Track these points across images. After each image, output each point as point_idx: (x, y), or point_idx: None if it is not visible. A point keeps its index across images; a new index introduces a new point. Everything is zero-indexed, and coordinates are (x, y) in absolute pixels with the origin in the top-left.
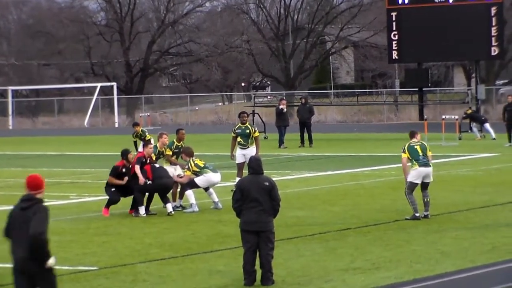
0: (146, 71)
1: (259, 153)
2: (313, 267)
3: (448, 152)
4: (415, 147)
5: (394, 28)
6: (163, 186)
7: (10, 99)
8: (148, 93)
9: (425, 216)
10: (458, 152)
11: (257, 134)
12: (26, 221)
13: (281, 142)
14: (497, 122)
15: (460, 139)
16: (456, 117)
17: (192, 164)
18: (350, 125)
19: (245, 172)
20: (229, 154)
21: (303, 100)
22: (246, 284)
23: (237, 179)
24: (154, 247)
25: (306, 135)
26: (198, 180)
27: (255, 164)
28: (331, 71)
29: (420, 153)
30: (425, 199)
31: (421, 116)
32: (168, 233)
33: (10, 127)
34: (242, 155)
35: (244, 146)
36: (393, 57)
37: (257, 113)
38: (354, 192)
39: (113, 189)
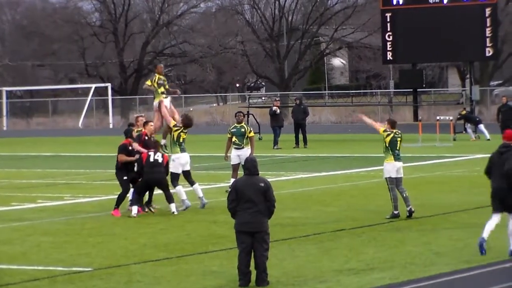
0: (140, 72)
1: (253, 154)
2: (307, 268)
3: (442, 153)
4: (397, 139)
5: (388, 29)
6: (154, 180)
7: (4, 100)
8: (142, 94)
9: (409, 211)
10: (452, 153)
11: (252, 134)
12: (502, 162)
13: (275, 143)
14: (491, 123)
15: (454, 140)
16: (451, 118)
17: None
18: (344, 126)
19: (241, 173)
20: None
21: (298, 101)
22: (241, 285)
23: (232, 180)
24: (149, 247)
25: (300, 136)
26: (172, 168)
27: (250, 165)
28: (326, 72)
29: (398, 147)
30: (404, 195)
31: (415, 117)
32: (162, 233)
33: (4, 128)
34: (237, 156)
35: (239, 146)
36: (388, 58)
37: (252, 114)
38: (348, 193)
39: (125, 178)
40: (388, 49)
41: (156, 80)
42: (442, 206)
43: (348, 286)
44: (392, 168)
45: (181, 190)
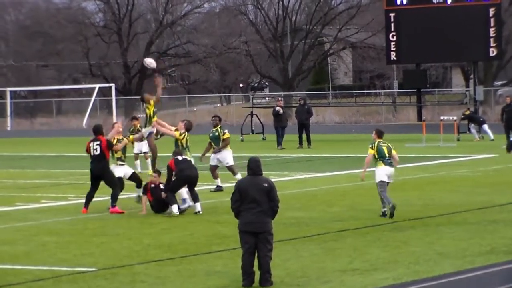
0: (144, 72)
1: (227, 149)
2: (311, 268)
3: (446, 153)
4: (383, 147)
5: (392, 29)
6: (187, 179)
7: (8, 100)
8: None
9: (383, 214)
10: (456, 153)
11: (226, 136)
12: None
13: (279, 143)
14: (495, 123)
15: (458, 140)
16: (455, 118)
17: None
18: (348, 126)
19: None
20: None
21: (302, 101)
22: (245, 285)
23: (217, 181)
24: (152, 248)
25: (304, 136)
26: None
27: (254, 165)
28: (329, 72)
29: (387, 153)
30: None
31: (419, 117)
32: (166, 233)
33: (8, 128)
34: (216, 158)
35: (215, 150)
36: (391, 58)
37: (255, 114)
38: (352, 193)
39: (119, 176)
40: (392, 49)
41: (153, 108)
42: (446, 206)
43: (352, 287)
44: (383, 172)
45: (183, 190)
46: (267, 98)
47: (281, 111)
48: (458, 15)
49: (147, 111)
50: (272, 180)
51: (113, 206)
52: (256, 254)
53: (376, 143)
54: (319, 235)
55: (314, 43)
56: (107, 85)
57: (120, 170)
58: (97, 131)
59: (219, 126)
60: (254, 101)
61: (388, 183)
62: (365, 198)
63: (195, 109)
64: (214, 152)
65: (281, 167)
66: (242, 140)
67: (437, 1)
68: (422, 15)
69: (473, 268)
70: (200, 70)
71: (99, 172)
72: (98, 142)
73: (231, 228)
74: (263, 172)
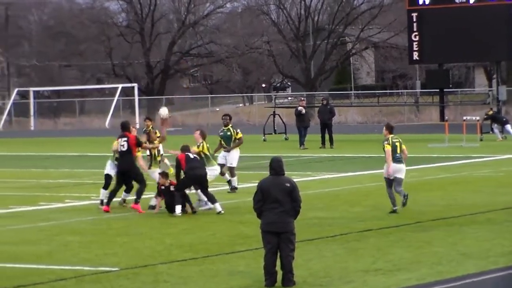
0: (167, 72)
1: (236, 150)
2: (334, 268)
3: (469, 153)
4: (396, 143)
5: (414, 29)
6: (197, 178)
7: (31, 100)
8: (169, 94)
9: (394, 211)
10: (479, 153)
11: (239, 135)
12: None
13: (301, 143)
14: None
15: (481, 140)
16: (477, 118)
17: (205, 147)
18: (370, 126)
19: (265, 173)
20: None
21: (324, 101)
22: (267, 285)
23: (233, 180)
24: (175, 247)
25: (327, 136)
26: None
27: (276, 165)
28: (352, 72)
29: (398, 150)
30: (402, 194)
31: (442, 117)
32: (188, 233)
33: (32, 128)
34: (223, 157)
35: (226, 149)
36: (414, 58)
37: (278, 114)
38: (375, 193)
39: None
40: (414, 49)
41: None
42: (469, 207)
43: (375, 287)
44: (391, 169)
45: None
46: (289, 98)
47: (303, 111)
48: (481, 14)
49: (152, 150)
50: (295, 180)
51: (136, 202)
52: (279, 254)
53: (390, 139)
54: (342, 235)
55: (337, 43)
56: (129, 85)
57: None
58: (125, 128)
59: (230, 125)
60: (277, 101)
61: (400, 178)
62: (387, 198)
63: (217, 109)
64: (226, 151)
65: (303, 167)
66: (264, 140)
67: (460, 0)
68: (445, 15)
69: (496, 269)
70: (222, 70)
71: (126, 167)
72: (125, 139)
73: (254, 228)
74: (286, 172)
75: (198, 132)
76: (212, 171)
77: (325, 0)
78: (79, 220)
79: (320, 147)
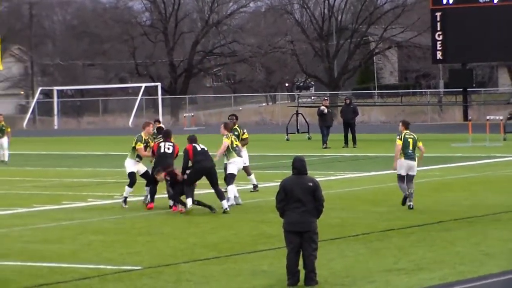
0: (190, 71)
1: (245, 149)
2: (356, 268)
3: (492, 152)
4: (409, 140)
5: (438, 29)
6: (204, 170)
7: (55, 99)
8: (192, 93)
9: (409, 207)
10: (502, 152)
11: (245, 135)
12: None
13: (324, 142)
14: None
15: (504, 139)
16: (501, 117)
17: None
18: (394, 125)
19: (287, 172)
20: (276, 154)
21: (347, 101)
22: (290, 284)
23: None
24: (198, 247)
25: (350, 136)
26: (232, 169)
27: (299, 165)
28: (375, 71)
29: (411, 147)
30: (410, 191)
31: (465, 117)
32: (211, 233)
33: (55, 127)
34: None
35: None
36: (437, 58)
37: (301, 114)
38: (397, 193)
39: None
40: (438, 48)
41: None
42: (492, 206)
43: (397, 287)
44: (402, 165)
45: (233, 188)
46: (312, 98)
47: (326, 111)
48: (504, 14)
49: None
50: (317, 179)
51: (175, 204)
52: (301, 254)
53: (403, 134)
54: (364, 235)
55: (360, 42)
56: (153, 84)
57: (135, 166)
58: (169, 135)
59: (237, 125)
60: (300, 100)
61: (411, 175)
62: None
63: (240, 108)
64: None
65: (326, 166)
66: (287, 140)
67: (484, 0)
68: (468, 14)
69: None
70: (246, 70)
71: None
72: (171, 144)
73: (276, 228)
74: (308, 172)
75: (222, 126)
76: (235, 164)
77: (349, 0)
78: (102, 219)
79: (343, 147)
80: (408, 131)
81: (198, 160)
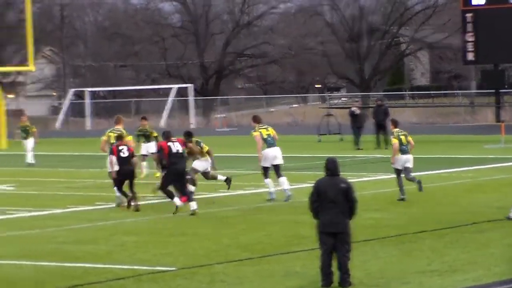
0: (221, 72)
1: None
2: (390, 269)
3: None
4: (401, 136)
5: (469, 30)
6: (177, 173)
7: (87, 100)
8: (223, 94)
9: (418, 184)
10: None
11: (206, 148)
12: None
13: (356, 143)
14: None
15: None
16: None
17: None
18: (425, 126)
19: (319, 173)
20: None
21: (379, 102)
22: (324, 285)
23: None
24: (231, 248)
25: (382, 137)
26: (262, 163)
27: (331, 166)
28: (407, 72)
29: (404, 142)
30: (411, 178)
31: (497, 118)
32: (244, 234)
33: (88, 128)
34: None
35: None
36: (468, 59)
37: (332, 115)
38: (430, 195)
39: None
40: (469, 49)
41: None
42: None
43: None
44: (399, 161)
45: (270, 182)
46: (343, 99)
47: (357, 112)
48: None
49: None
50: (350, 180)
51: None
52: (335, 255)
53: (395, 133)
54: (397, 236)
55: (391, 44)
56: (184, 85)
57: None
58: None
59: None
60: (331, 101)
61: (409, 167)
62: (443, 200)
63: (272, 109)
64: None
65: (358, 167)
66: (319, 141)
67: None
68: (500, 14)
69: None
70: (276, 71)
71: (184, 169)
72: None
73: (309, 229)
74: (341, 173)
75: (253, 119)
76: (265, 160)
77: (379, 1)
78: (135, 220)
79: (375, 148)
80: (398, 129)
81: (173, 162)
